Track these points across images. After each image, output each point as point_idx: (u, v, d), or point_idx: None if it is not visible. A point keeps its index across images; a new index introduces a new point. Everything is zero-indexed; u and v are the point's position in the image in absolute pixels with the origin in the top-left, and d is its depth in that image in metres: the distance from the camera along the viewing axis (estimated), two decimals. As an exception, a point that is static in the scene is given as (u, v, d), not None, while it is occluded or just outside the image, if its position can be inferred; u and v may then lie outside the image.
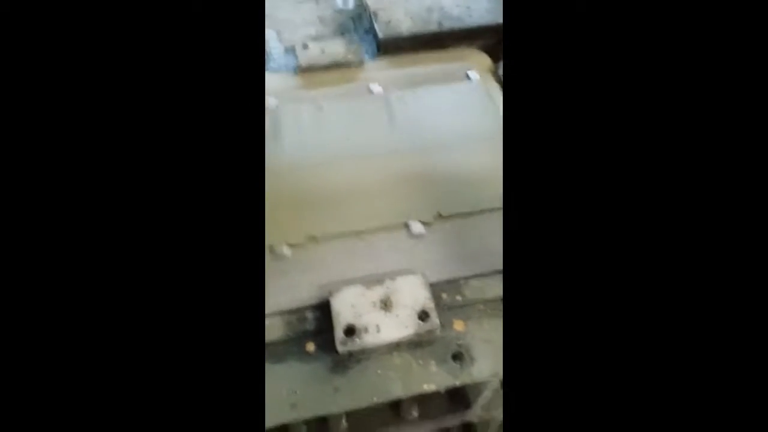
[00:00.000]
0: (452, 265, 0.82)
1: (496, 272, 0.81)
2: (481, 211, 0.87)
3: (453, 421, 0.87)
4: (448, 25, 1.15)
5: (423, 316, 0.73)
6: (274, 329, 0.76)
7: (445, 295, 0.79)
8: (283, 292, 0.78)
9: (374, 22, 1.15)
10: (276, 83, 1.09)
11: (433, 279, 0.79)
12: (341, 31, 1.22)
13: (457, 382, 0.71)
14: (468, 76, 1.08)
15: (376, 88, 1.06)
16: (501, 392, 0.89)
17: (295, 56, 1.11)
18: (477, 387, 0.82)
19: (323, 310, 0.76)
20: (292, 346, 0.74)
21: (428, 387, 0.70)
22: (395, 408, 0.86)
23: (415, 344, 0.73)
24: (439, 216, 0.86)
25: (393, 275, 0.77)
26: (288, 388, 0.70)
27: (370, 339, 0.71)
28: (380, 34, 1.13)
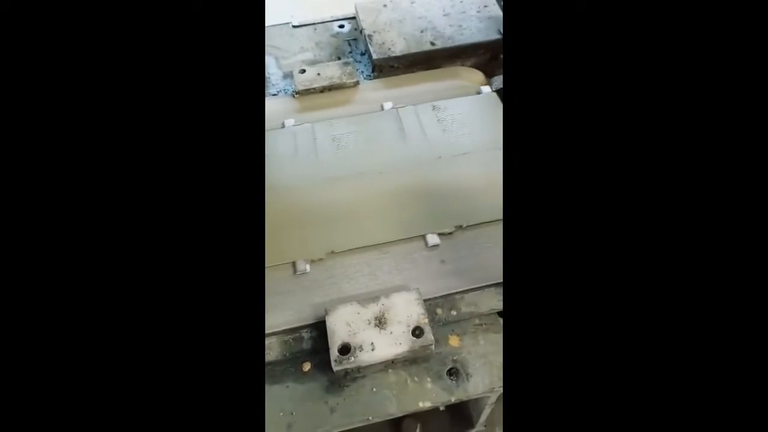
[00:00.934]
0: (447, 280, 0.82)
1: (490, 286, 0.81)
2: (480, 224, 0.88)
3: (456, 439, 0.86)
4: (440, 44, 1.17)
5: (417, 332, 0.73)
6: (271, 350, 0.77)
7: (440, 311, 0.79)
8: (289, 309, 0.80)
9: (369, 44, 1.18)
10: (275, 106, 1.12)
11: (428, 294, 0.79)
12: (337, 54, 1.26)
13: (453, 399, 0.70)
14: (480, 91, 1.11)
15: (387, 105, 1.09)
16: (501, 407, 0.88)
17: (293, 81, 1.14)
18: (478, 404, 0.81)
19: (319, 329, 0.77)
20: (289, 366, 0.75)
21: (423, 404, 0.70)
22: (397, 427, 0.86)
23: (410, 361, 0.73)
24: (459, 228, 0.87)
25: (388, 292, 0.77)
26: (284, 409, 0.70)
27: (365, 357, 0.71)
28: (374, 56, 1.16)
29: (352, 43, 1.28)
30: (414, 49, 1.16)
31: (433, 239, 0.86)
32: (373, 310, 0.76)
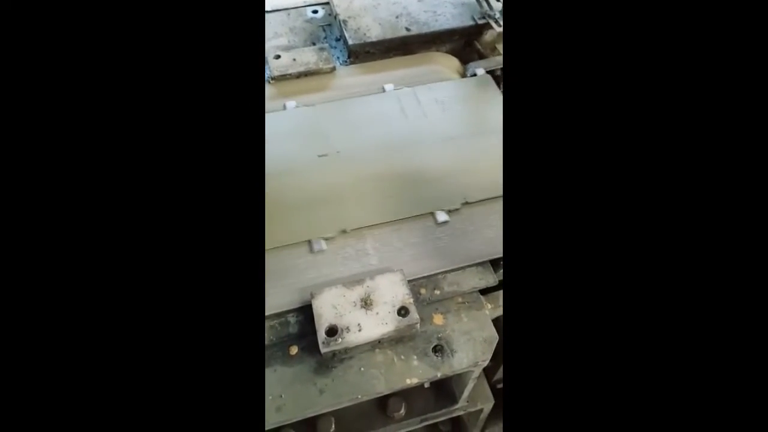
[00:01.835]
0: (429, 261, 0.83)
1: (471, 265, 0.83)
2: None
3: (440, 416, 0.89)
4: (415, 29, 1.18)
5: (403, 312, 0.74)
6: (256, 335, 0.77)
7: (424, 291, 0.81)
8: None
9: (344, 30, 1.18)
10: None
11: (411, 275, 0.80)
12: (312, 40, 1.24)
13: (439, 374, 0.72)
14: (475, 73, 1.13)
15: (389, 86, 1.10)
16: (485, 383, 0.91)
17: (268, 67, 1.13)
18: (461, 380, 0.84)
19: (305, 313, 0.77)
20: (276, 350, 0.75)
21: (411, 381, 0.72)
22: (383, 407, 0.87)
23: (396, 340, 0.75)
24: (466, 203, 0.90)
25: (372, 274, 0.78)
26: (273, 393, 0.71)
27: (352, 338, 0.72)
28: (350, 41, 1.15)
29: (327, 29, 1.27)
30: (390, 35, 1.17)
31: (441, 216, 0.88)
32: (358, 292, 0.77)
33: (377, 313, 0.74)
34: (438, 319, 0.78)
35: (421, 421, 0.88)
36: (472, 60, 1.19)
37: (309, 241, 0.86)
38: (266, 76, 1.13)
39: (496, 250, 0.84)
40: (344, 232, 0.87)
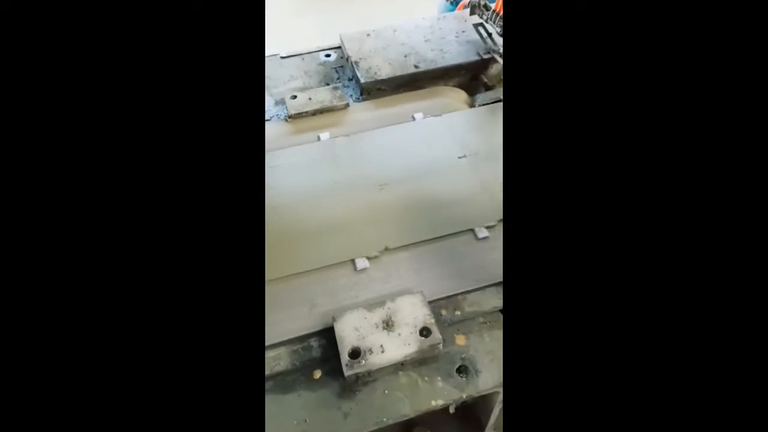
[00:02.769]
0: (449, 282, 0.84)
1: (491, 285, 0.83)
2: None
3: (466, 444, 0.86)
4: (424, 66, 1.24)
5: (425, 332, 0.75)
6: (280, 360, 0.77)
7: (445, 312, 0.81)
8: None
9: (356, 70, 1.24)
10: (270, 130, 1.15)
11: (431, 296, 0.81)
12: (326, 81, 1.31)
13: (464, 395, 0.71)
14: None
15: (419, 115, 1.16)
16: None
17: (285, 106, 1.19)
18: (487, 406, 0.82)
19: (327, 336, 0.78)
20: (299, 375, 0.75)
21: (436, 402, 0.71)
22: (408, 434, 0.85)
23: (419, 362, 0.74)
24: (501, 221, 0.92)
25: (393, 296, 0.79)
26: (298, 418, 0.70)
27: (375, 360, 0.72)
28: (362, 80, 1.21)
29: (339, 70, 1.34)
30: (399, 72, 1.23)
31: (482, 233, 0.91)
32: (379, 314, 0.77)
33: (399, 335, 0.75)
34: (460, 340, 0.77)
35: (448, 450, 0.85)
36: (479, 92, 1.24)
37: (345, 262, 0.89)
38: (284, 114, 1.19)
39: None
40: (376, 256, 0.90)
